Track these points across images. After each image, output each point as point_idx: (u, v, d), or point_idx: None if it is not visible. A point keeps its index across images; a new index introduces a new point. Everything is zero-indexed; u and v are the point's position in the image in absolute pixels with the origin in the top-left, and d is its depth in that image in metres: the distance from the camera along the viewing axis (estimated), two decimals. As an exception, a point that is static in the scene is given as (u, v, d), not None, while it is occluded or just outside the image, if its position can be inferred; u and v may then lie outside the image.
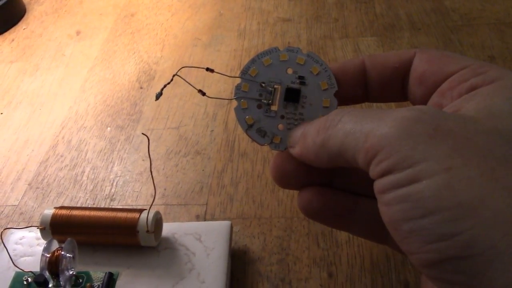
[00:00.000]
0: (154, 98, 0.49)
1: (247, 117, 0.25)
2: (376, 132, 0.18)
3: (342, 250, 0.33)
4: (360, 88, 0.25)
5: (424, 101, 0.23)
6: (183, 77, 0.26)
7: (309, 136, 0.22)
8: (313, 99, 0.25)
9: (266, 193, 0.38)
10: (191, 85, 0.27)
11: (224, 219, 0.37)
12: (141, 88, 0.51)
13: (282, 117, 0.25)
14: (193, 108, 0.47)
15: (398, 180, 0.17)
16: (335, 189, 0.26)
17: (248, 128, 0.25)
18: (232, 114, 0.45)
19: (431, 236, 0.17)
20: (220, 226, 0.34)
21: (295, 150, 0.23)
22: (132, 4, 0.64)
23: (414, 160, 0.17)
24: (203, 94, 0.26)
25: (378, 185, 0.19)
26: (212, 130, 0.44)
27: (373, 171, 0.19)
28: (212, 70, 0.27)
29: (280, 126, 0.25)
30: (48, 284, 0.30)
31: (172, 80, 0.25)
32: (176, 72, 0.26)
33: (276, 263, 0.33)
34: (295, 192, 0.38)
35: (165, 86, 0.26)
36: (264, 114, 0.25)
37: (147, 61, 0.54)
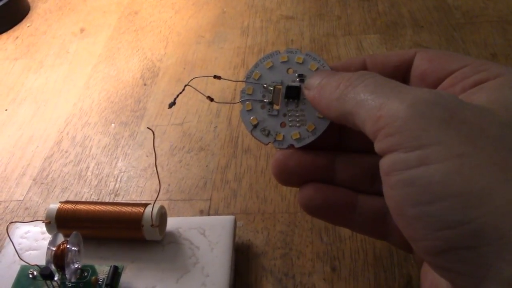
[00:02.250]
0: (158, 94, 0.49)
1: (251, 118, 0.26)
2: (392, 104, 0.18)
3: (345, 245, 0.34)
4: None
5: None
6: (193, 86, 0.27)
7: (328, 87, 0.22)
8: None
9: (270, 189, 0.38)
10: (201, 92, 0.29)
11: (228, 214, 0.37)
12: (145, 85, 0.51)
13: (285, 115, 0.26)
14: (197, 105, 0.47)
15: (406, 161, 0.17)
16: (336, 185, 0.26)
17: (252, 128, 0.26)
18: (236, 111, 0.46)
19: (439, 223, 0.16)
20: (224, 221, 0.34)
21: (310, 94, 0.24)
22: (135, 2, 0.65)
23: (425, 142, 0.17)
24: (211, 100, 0.28)
25: (384, 165, 0.18)
26: (215, 126, 0.45)
27: (379, 142, 0.18)
28: (219, 77, 0.28)
29: (283, 124, 0.26)
30: (53, 277, 0.30)
31: (183, 90, 0.27)
32: (188, 82, 0.27)
33: (280, 258, 0.34)
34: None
35: (177, 96, 0.27)
36: (268, 113, 0.26)
37: (151, 58, 0.54)
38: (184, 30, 0.58)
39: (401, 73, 0.24)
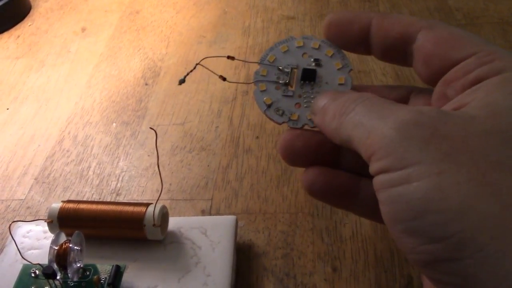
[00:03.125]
0: (159, 94, 0.49)
1: (265, 98, 0.26)
2: (377, 131, 0.19)
3: (346, 245, 0.34)
4: (362, 45, 0.25)
5: (428, 81, 0.23)
6: (204, 65, 0.27)
7: (327, 116, 0.23)
8: (329, 78, 0.26)
9: (271, 189, 0.39)
10: (213, 72, 0.29)
11: (229, 214, 0.37)
12: (146, 84, 0.51)
13: (299, 96, 0.26)
14: (198, 105, 0.47)
15: (390, 179, 0.18)
16: (341, 169, 0.26)
17: (266, 108, 0.26)
18: (237, 111, 0.46)
19: (422, 238, 0.17)
20: (226, 221, 0.34)
21: (315, 119, 0.24)
22: (137, 2, 0.65)
23: (407, 162, 0.18)
24: (224, 79, 0.28)
25: (375, 181, 0.19)
26: (217, 127, 0.45)
27: (372, 167, 0.19)
28: (233, 58, 0.28)
29: (298, 105, 0.26)
30: (56, 276, 0.30)
31: (195, 68, 0.26)
32: (199, 62, 0.26)
33: (281, 258, 0.34)
34: (300, 188, 0.38)
35: (188, 73, 0.27)
36: (282, 94, 0.26)
37: (152, 58, 0.55)
38: (186, 30, 0.58)
39: (402, 46, 0.24)
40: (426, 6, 0.55)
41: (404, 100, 0.26)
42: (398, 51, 0.24)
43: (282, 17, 0.58)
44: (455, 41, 0.22)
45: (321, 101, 0.24)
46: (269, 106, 0.26)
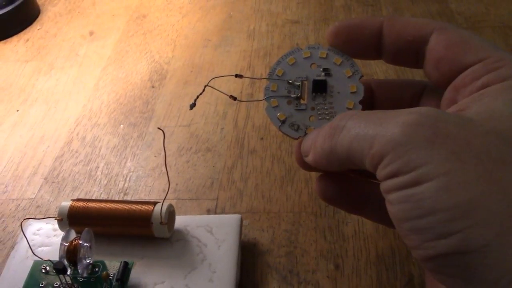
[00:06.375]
0: (166, 96, 0.50)
1: (278, 114, 0.26)
2: (379, 138, 0.19)
3: (348, 244, 0.35)
4: (373, 50, 0.25)
5: (438, 84, 0.24)
6: (213, 86, 0.27)
7: (318, 144, 0.23)
8: (340, 87, 0.25)
9: (275, 189, 0.39)
10: (223, 92, 0.29)
11: (234, 213, 0.38)
12: (153, 87, 0.52)
13: (313, 108, 0.26)
14: (203, 107, 0.48)
15: (401, 182, 0.18)
16: (353, 173, 0.27)
17: (281, 124, 0.26)
18: (242, 113, 0.47)
19: (429, 235, 0.18)
20: (231, 219, 0.35)
21: (309, 158, 0.24)
22: (143, 6, 0.66)
23: (416, 164, 0.18)
24: (235, 99, 0.28)
25: (383, 185, 0.20)
26: (222, 128, 0.46)
27: (379, 174, 0.20)
28: (241, 76, 0.28)
29: (312, 118, 0.26)
30: (66, 271, 0.31)
31: (204, 90, 0.27)
32: (208, 83, 0.27)
33: (285, 255, 0.35)
34: (303, 188, 0.39)
35: (197, 96, 0.27)
36: (295, 108, 0.26)
37: (159, 61, 0.56)
38: (191, 34, 0.59)
39: (414, 48, 0.24)
40: (428, 10, 0.56)
41: (416, 98, 0.26)
42: (410, 54, 0.24)
43: (286, 21, 0.58)
44: (465, 45, 0.22)
45: (308, 140, 0.24)
46: (283, 122, 0.26)
